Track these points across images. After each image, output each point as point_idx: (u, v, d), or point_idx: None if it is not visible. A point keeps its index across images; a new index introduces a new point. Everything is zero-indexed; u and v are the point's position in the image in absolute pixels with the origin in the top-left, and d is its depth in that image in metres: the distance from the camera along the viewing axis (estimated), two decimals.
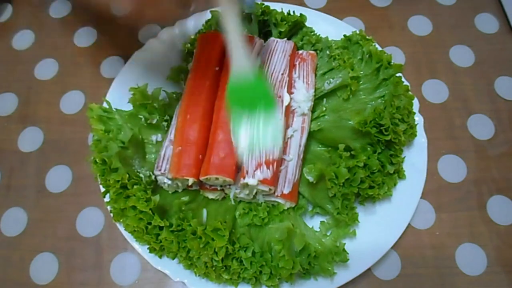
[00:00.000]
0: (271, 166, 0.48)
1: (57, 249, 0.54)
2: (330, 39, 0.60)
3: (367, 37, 0.57)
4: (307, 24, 0.61)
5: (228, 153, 0.48)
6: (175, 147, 0.50)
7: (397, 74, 0.53)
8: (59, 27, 0.70)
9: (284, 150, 0.51)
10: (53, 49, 0.68)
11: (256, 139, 0.45)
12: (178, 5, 0.41)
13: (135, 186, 0.47)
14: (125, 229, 0.49)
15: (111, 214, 0.49)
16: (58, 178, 0.58)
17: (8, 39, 0.70)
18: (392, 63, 0.53)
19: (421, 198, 0.53)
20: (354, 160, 0.48)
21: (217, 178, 0.48)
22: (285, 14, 0.59)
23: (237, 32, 0.42)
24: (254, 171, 0.47)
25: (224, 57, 0.55)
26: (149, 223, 0.46)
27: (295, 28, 0.61)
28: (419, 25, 0.68)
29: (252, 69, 0.44)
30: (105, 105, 0.54)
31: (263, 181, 0.47)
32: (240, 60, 0.44)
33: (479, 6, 0.69)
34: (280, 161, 0.50)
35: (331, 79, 0.55)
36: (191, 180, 0.48)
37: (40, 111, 0.63)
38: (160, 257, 0.49)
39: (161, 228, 0.46)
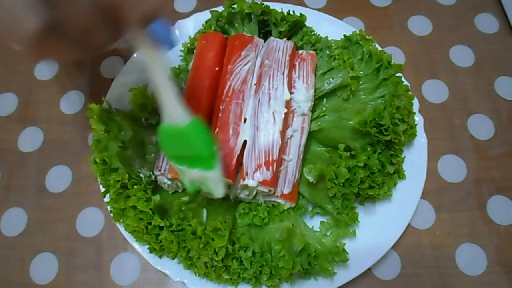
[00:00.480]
0: (270, 167, 0.48)
1: (57, 249, 0.54)
2: (330, 39, 0.59)
3: (367, 37, 0.56)
4: (307, 24, 0.61)
5: (227, 153, 0.48)
6: None
7: (397, 74, 0.53)
8: None
9: (284, 150, 0.51)
10: None
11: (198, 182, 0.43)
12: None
13: (135, 186, 0.47)
14: (125, 229, 0.49)
15: (111, 214, 0.49)
16: (58, 178, 0.58)
17: None
18: (392, 63, 0.53)
19: (421, 198, 0.53)
20: (354, 160, 0.48)
21: None
22: (285, 14, 0.59)
23: (164, 79, 0.38)
24: (254, 172, 0.47)
25: (224, 57, 0.56)
26: (149, 223, 0.46)
27: (295, 28, 0.61)
28: (419, 25, 0.68)
29: (185, 117, 0.40)
30: (105, 105, 0.54)
31: (262, 182, 0.47)
32: (171, 107, 0.39)
33: (479, 6, 0.69)
34: (280, 162, 0.50)
35: (331, 79, 0.55)
36: None
37: (40, 111, 0.63)
38: (160, 257, 0.49)
39: (161, 228, 0.46)
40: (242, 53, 0.55)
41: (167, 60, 0.36)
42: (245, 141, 0.50)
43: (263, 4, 0.59)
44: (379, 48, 0.56)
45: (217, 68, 0.54)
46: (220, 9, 0.61)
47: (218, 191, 0.43)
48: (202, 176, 0.42)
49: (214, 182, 0.43)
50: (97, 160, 0.48)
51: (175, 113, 0.40)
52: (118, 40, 0.36)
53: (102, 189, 0.49)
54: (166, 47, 0.38)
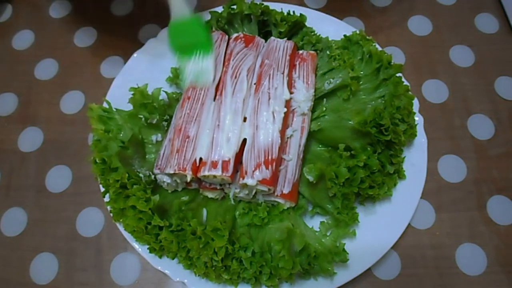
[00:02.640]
0: (270, 166, 0.48)
1: (57, 249, 0.54)
2: (330, 39, 0.60)
3: (367, 37, 0.57)
4: (307, 24, 0.61)
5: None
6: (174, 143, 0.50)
7: (397, 74, 0.53)
8: (59, 27, 0.70)
9: (284, 149, 0.51)
10: (53, 49, 0.68)
11: (195, 72, 0.53)
12: None
13: (134, 186, 0.47)
14: (125, 229, 0.49)
15: (111, 214, 0.49)
16: (58, 178, 0.58)
17: (8, 39, 0.70)
18: (392, 63, 0.53)
19: (421, 198, 0.53)
20: (354, 160, 0.48)
21: (215, 176, 0.48)
22: (285, 14, 0.59)
23: None
24: (253, 171, 0.47)
25: (224, 56, 0.56)
26: (149, 223, 0.46)
27: (295, 28, 0.61)
28: (419, 25, 0.68)
29: (190, 13, 0.52)
30: (105, 105, 0.54)
31: (262, 181, 0.47)
32: (178, 6, 0.51)
33: (479, 6, 0.69)
34: (280, 161, 0.50)
35: (331, 79, 0.55)
36: (189, 177, 0.48)
37: (40, 111, 0.63)
38: (160, 257, 0.49)
39: (160, 228, 0.46)
40: (243, 52, 0.55)
41: None
42: (244, 140, 0.50)
43: (262, 4, 0.59)
44: (379, 48, 0.57)
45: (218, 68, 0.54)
46: (220, 9, 0.61)
47: (210, 75, 0.53)
48: (199, 65, 0.53)
49: (208, 67, 0.53)
50: (97, 160, 0.48)
51: (182, 10, 0.53)
52: None
53: (102, 189, 0.49)
54: None
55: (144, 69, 0.61)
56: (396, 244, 0.51)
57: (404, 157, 0.53)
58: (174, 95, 0.57)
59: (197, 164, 0.49)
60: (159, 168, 0.50)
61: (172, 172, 0.48)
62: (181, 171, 0.48)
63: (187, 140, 0.49)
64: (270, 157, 0.48)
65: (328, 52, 0.58)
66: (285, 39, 0.58)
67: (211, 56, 0.53)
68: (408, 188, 0.53)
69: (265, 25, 0.61)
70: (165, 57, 0.61)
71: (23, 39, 0.70)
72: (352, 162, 0.47)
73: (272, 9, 0.60)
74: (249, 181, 0.47)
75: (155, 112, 0.54)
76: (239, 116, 0.51)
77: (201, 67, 0.53)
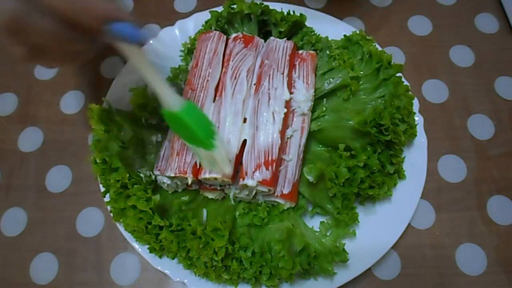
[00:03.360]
0: (270, 167, 0.48)
1: (57, 249, 0.54)
2: (330, 39, 0.60)
3: (367, 37, 0.57)
4: (307, 24, 0.61)
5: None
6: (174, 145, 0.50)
7: (397, 74, 0.53)
8: None
9: (284, 150, 0.51)
10: None
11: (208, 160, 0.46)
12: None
13: (135, 186, 0.47)
14: (125, 229, 0.49)
15: (111, 214, 0.49)
16: (58, 178, 0.58)
17: None
18: (392, 63, 0.53)
19: (421, 198, 0.53)
20: (354, 160, 0.48)
21: (215, 178, 0.48)
22: (285, 14, 0.59)
23: (150, 71, 0.43)
24: (253, 172, 0.47)
25: (224, 57, 0.56)
26: (149, 223, 0.46)
27: (295, 28, 0.61)
28: (419, 25, 0.68)
29: (178, 102, 0.44)
30: (105, 105, 0.54)
31: (262, 182, 0.47)
32: (164, 95, 0.44)
33: (479, 6, 0.69)
34: (280, 161, 0.50)
35: (331, 79, 0.55)
36: (190, 179, 0.48)
37: (40, 111, 0.63)
38: (160, 257, 0.49)
39: (161, 228, 0.46)
40: (243, 53, 0.55)
41: (151, 53, 0.46)
42: (244, 141, 0.50)
43: (262, 4, 0.59)
44: (379, 48, 0.56)
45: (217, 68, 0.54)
46: (220, 9, 0.61)
47: (227, 169, 0.46)
48: (209, 154, 0.46)
49: (220, 160, 0.46)
50: (97, 160, 0.48)
51: (169, 99, 0.44)
52: (93, 48, 0.43)
53: (102, 189, 0.49)
54: (137, 44, 0.40)
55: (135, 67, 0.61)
56: (396, 244, 0.51)
57: (404, 157, 0.53)
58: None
59: (198, 167, 0.49)
60: (159, 170, 0.50)
61: (172, 175, 0.48)
62: (181, 174, 0.48)
63: None
64: (270, 158, 0.48)
65: (328, 52, 0.57)
66: (285, 39, 0.58)
67: (218, 151, 0.45)
68: (408, 188, 0.53)
69: (265, 25, 0.61)
70: (165, 57, 0.61)
71: None
72: (352, 162, 0.47)
73: (272, 8, 0.59)
74: (249, 182, 0.47)
75: (155, 112, 0.54)
76: (239, 117, 0.51)
77: (213, 159, 0.46)
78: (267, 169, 0.48)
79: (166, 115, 0.46)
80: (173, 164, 0.48)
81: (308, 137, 0.53)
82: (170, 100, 0.44)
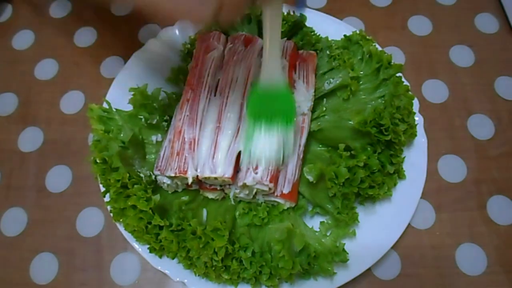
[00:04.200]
0: (270, 166, 0.48)
1: (57, 249, 0.54)
2: (330, 39, 0.60)
3: (367, 37, 0.57)
4: (307, 24, 0.61)
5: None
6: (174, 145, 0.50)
7: (397, 74, 0.53)
8: (59, 27, 0.70)
9: None
10: (53, 49, 0.68)
11: (264, 149, 0.46)
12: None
13: (135, 186, 0.47)
14: (125, 229, 0.49)
15: (111, 214, 0.49)
16: (58, 178, 0.58)
17: (8, 39, 0.70)
18: (392, 63, 0.53)
19: (421, 198, 0.53)
20: (354, 160, 0.48)
21: (216, 178, 0.48)
22: (285, 14, 0.59)
23: (276, 38, 0.41)
24: (254, 171, 0.47)
25: (223, 57, 0.56)
26: (149, 223, 0.46)
27: (295, 28, 0.61)
28: (419, 25, 0.68)
29: (282, 80, 0.43)
30: (105, 105, 0.54)
31: (262, 181, 0.47)
32: (272, 68, 0.42)
33: (479, 6, 0.69)
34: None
35: (331, 79, 0.55)
36: (190, 179, 0.48)
37: (40, 111, 0.63)
38: (160, 257, 0.49)
39: (161, 227, 0.46)
40: (243, 53, 0.55)
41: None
42: None
43: None
44: (379, 48, 0.56)
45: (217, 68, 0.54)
46: None
47: (289, 148, 0.47)
48: (277, 139, 0.46)
49: (290, 138, 0.47)
50: (98, 160, 0.48)
51: (275, 73, 0.43)
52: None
53: (102, 189, 0.49)
54: (298, 5, 0.41)
55: (144, 69, 0.61)
56: (396, 244, 0.51)
57: (404, 157, 0.53)
58: (174, 95, 0.57)
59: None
60: (159, 170, 0.50)
61: (173, 175, 0.48)
62: (181, 174, 0.48)
63: (186, 142, 0.49)
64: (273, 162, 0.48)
65: (328, 52, 0.58)
66: (285, 39, 0.58)
67: (292, 129, 0.46)
68: (408, 188, 0.53)
69: None
70: (165, 57, 0.61)
71: (23, 39, 0.69)
72: (352, 162, 0.47)
73: None
74: (249, 181, 0.47)
75: (155, 112, 0.54)
76: (239, 116, 0.51)
77: (281, 140, 0.46)
78: (267, 168, 0.48)
79: (257, 94, 0.45)
80: (173, 164, 0.48)
81: (308, 137, 0.53)
82: (275, 74, 0.43)
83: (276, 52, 0.42)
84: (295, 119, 0.46)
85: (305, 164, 0.52)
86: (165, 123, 0.55)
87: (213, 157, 0.48)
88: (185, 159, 0.48)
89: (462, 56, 0.65)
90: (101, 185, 0.50)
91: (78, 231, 0.55)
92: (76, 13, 0.71)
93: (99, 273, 0.52)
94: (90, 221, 0.55)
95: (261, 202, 0.51)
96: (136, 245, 0.50)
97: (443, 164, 0.57)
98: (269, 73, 0.43)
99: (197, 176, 0.48)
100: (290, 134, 0.47)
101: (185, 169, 0.48)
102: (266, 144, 0.46)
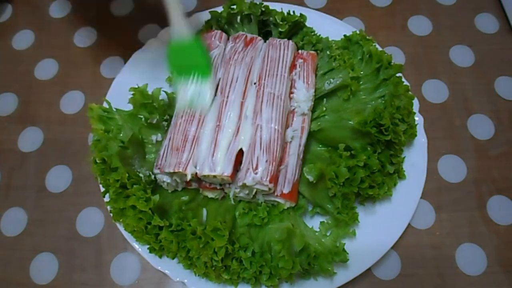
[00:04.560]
0: (270, 166, 0.48)
1: (57, 249, 0.54)
2: (330, 39, 0.60)
3: (367, 37, 0.57)
4: (307, 24, 0.61)
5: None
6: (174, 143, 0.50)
7: (397, 74, 0.53)
8: (59, 27, 0.70)
9: (284, 149, 0.51)
10: (53, 49, 0.68)
11: (191, 94, 0.51)
12: None
13: (134, 186, 0.47)
14: (125, 229, 0.49)
15: (111, 214, 0.49)
16: (58, 178, 0.58)
17: (8, 39, 0.70)
18: (392, 63, 0.53)
19: (421, 198, 0.53)
20: (354, 160, 0.48)
21: (215, 176, 0.48)
22: (285, 14, 0.59)
23: (177, 2, 0.48)
24: (254, 171, 0.47)
25: (224, 56, 0.56)
26: (149, 223, 0.46)
27: (295, 28, 0.61)
28: (419, 25, 0.68)
29: (190, 34, 0.51)
30: (105, 105, 0.54)
31: (262, 181, 0.47)
32: (179, 25, 0.50)
33: (479, 6, 0.69)
34: (280, 161, 0.50)
35: (331, 79, 0.55)
36: (189, 175, 0.48)
37: (40, 111, 0.63)
38: (160, 257, 0.49)
39: (160, 228, 0.46)
40: (243, 52, 0.55)
41: None
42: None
43: (262, 4, 0.59)
44: (379, 48, 0.56)
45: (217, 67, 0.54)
46: (220, 9, 0.61)
47: (208, 100, 0.51)
48: (197, 88, 0.52)
49: (206, 91, 0.52)
50: (97, 159, 0.48)
51: (182, 30, 0.51)
52: None
53: (102, 189, 0.49)
54: None
55: (144, 69, 0.61)
56: (396, 244, 0.51)
57: (404, 157, 0.53)
58: (174, 95, 0.57)
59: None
60: (159, 168, 0.50)
61: (172, 171, 0.48)
62: (180, 171, 0.48)
63: (187, 139, 0.49)
64: (270, 157, 0.48)
65: (328, 52, 0.57)
66: (285, 39, 0.58)
67: (210, 80, 0.52)
68: (408, 188, 0.53)
69: (265, 25, 0.61)
70: (165, 57, 0.61)
71: (23, 39, 0.70)
72: (352, 162, 0.47)
73: (272, 9, 0.60)
74: (249, 181, 0.47)
75: (155, 112, 0.54)
76: (239, 116, 0.51)
77: (198, 91, 0.52)
78: (267, 168, 0.48)
79: (173, 47, 0.52)
80: (172, 160, 0.48)
81: (308, 137, 0.53)
82: (183, 30, 0.50)
83: (178, 13, 0.50)
84: (211, 71, 0.52)
85: (305, 164, 0.52)
86: (165, 123, 0.55)
87: (213, 155, 0.48)
88: (184, 156, 0.48)
89: (462, 56, 0.65)
90: (101, 185, 0.50)
91: (78, 231, 0.55)
92: (76, 13, 0.71)
93: (99, 273, 0.53)
94: (90, 221, 0.55)
95: (261, 202, 0.51)
96: (136, 245, 0.50)
97: (443, 164, 0.57)
98: (177, 30, 0.51)
99: (196, 173, 0.48)
100: (207, 85, 0.52)
101: (184, 166, 0.48)
102: (190, 91, 0.52)
